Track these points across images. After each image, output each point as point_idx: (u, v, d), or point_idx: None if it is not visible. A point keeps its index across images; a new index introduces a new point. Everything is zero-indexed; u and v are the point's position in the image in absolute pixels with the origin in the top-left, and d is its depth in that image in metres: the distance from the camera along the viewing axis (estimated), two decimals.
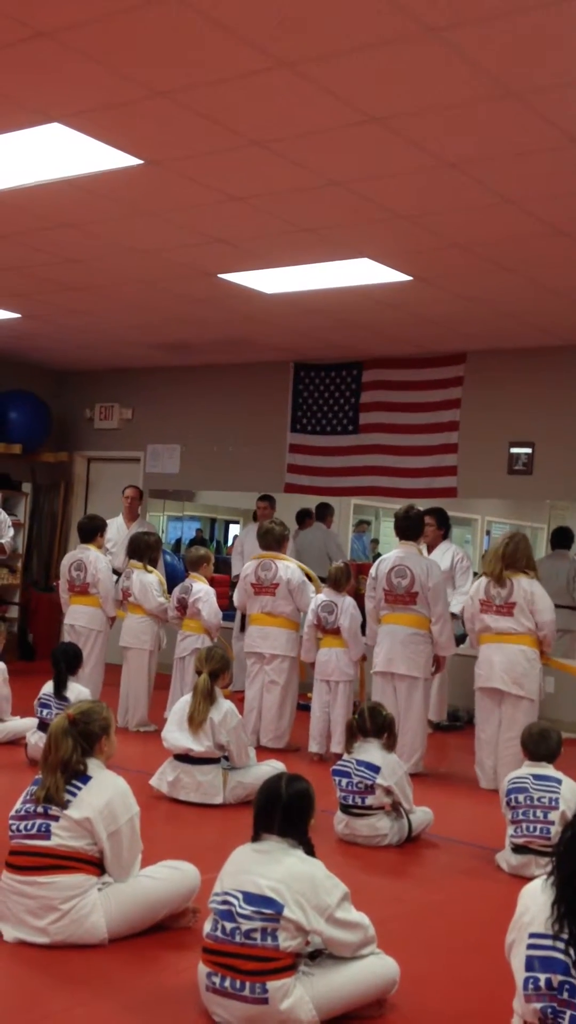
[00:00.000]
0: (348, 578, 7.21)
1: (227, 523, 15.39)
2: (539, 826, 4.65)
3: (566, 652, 8.36)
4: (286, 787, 3.23)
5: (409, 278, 6.84)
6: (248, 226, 6.05)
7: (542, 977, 2.55)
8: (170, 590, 7.84)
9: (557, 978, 2.53)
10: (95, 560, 7.88)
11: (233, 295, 7.61)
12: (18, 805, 3.75)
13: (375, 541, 13.87)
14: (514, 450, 8.81)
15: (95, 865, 3.65)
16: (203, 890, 3.65)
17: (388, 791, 5.07)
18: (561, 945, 2.55)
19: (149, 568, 7.79)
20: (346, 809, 5.15)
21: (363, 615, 7.12)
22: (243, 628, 7.91)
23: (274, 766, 5.69)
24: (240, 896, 3.06)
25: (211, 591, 7.57)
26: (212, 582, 7.79)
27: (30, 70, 4.28)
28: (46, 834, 3.61)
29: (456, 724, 8.59)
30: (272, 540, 7.45)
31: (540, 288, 6.88)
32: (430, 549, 8.01)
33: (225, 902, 3.09)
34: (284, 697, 7.29)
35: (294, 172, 5.13)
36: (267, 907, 3.01)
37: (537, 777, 4.77)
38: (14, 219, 6.25)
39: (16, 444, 10.73)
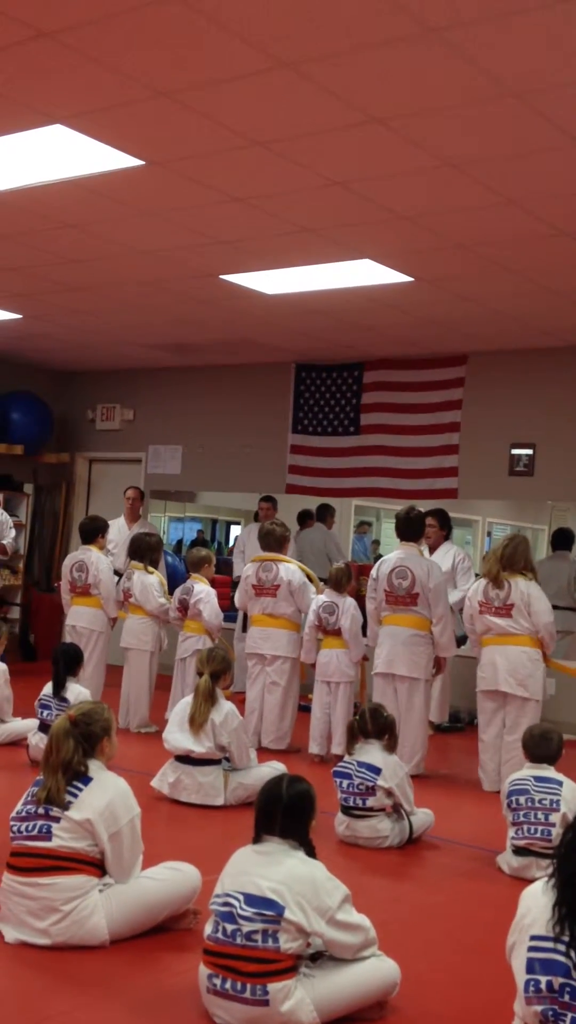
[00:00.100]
0: (349, 579, 7.21)
1: (228, 524, 15.38)
2: (540, 828, 4.65)
3: (567, 654, 8.36)
4: (287, 789, 3.23)
5: (410, 279, 6.83)
6: (250, 227, 6.05)
7: (543, 979, 2.55)
8: (171, 591, 7.84)
9: (558, 980, 2.53)
10: (96, 561, 7.88)
11: (235, 296, 7.61)
12: (19, 806, 3.75)
13: (376, 542, 13.87)
14: (515, 451, 8.81)
15: (96, 866, 3.64)
16: (204, 891, 3.64)
17: (389, 793, 5.07)
18: (562, 947, 2.55)
19: (150, 569, 7.79)
20: (347, 811, 5.15)
21: (364, 616, 7.12)
22: (245, 629, 7.90)
23: (275, 767, 5.69)
24: (241, 898, 3.05)
25: (212, 592, 7.56)
26: (213, 583, 7.79)
27: (32, 71, 4.28)
28: (47, 835, 3.61)
29: (457, 725, 8.58)
30: (273, 541, 7.45)
31: (541, 289, 6.88)
32: (432, 550, 8.01)
33: (226, 904, 3.08)
34: (285, 698, 7.29)
35: (295, 172, 5.13)
36: (268, 909, 3.01)
37: (538, 779, 4.76)
38: (16, 220, 6.26)
39: (18, 445, 10.74)
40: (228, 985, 3.02)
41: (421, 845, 5.23)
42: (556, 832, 4.54)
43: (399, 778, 5.11)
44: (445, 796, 6.26)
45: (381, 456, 9.52)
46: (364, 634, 7.12)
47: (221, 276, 7.14)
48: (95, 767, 3.76)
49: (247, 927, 3.01)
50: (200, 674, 5.82)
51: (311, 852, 3.21)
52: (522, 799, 4.72)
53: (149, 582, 7.70)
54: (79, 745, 3.74)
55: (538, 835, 4.65)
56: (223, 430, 10.50)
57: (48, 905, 3.55)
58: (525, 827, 4.69)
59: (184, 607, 7.55)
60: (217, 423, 10.56)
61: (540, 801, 4.68)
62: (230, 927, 3.04)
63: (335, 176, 5.16)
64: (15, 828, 3.69)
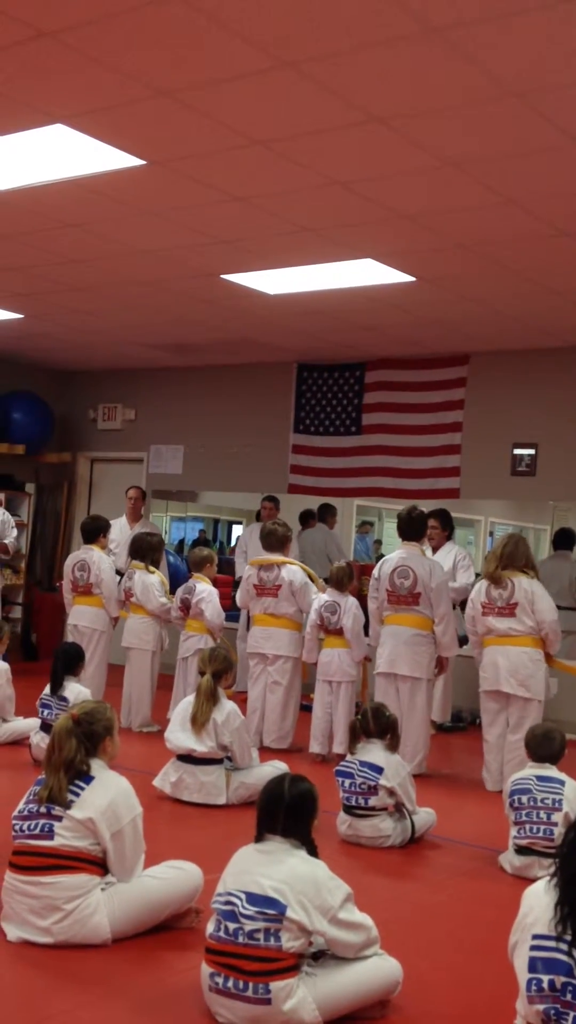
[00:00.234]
0: (351, 578, 7.21)
1: (230, 524, 15.40)
2: (542, 827, 4.65)
3: (568, 653, 8.36)
4: (289, 788, 3.23)
5: (412, 279, 6.83)
6: (251, 226, 6.05)
7: (545, 978, 2.55)
8: (173, 590, 7.85)
9: (560, 979, 2.53)
10: (98, 560, 7.89)
11: (236, 296, 7.62)
12: (21, 805, 3.75)
13: (378, 542, 13.88)
14: (517, 451, 8.80)
15: (98, 865, 3.65)
16: (206, 890, 3.65)
17: (391, 792, 5.07)
18: (564, 947, 2.55)
19: (151, 569, 7.79)
20: (349, 810, 5.15)
21: (366, 615, 7.12)
22: (249, 628, 7.90)
23: (277, 767, 5.69)
24: (243, 896, 3.06)
25: (214, 592, 7.57)
26: (215, 583, 7.79)
27: (33, 71, 4.29)
28: (49, 834, 3.61)
29: (459, 725, 8.58)
30: (275, 541, 7.45)
31: (543, 289, 6.88)
32: (435, 551, 8.01)
33: (228, 902, 3.09)
34: (287, 698, 7.29)
35: (297, 172, 5.13)
36: (270, 908, 3.01)
37: (540, 778, 4.76)
38: (17, 219, 6.26)
39: (19, 445, 10.74)
40: (230, 984, 3.03)
41: (423, 844, 5.23)
42: (558, 831, 4.54)
43: (401, 777, 5.12)
44: (447, 795, 6.26)
45: (383, 456, 9.52)
46: (366, 633, 7.12)
47: (222, 276, 7.14)
48: (97, 766, 3.77)
49: (249, 926, 3.02)
50: (202, 673, 5.82)
51: (313, 851, 3.21)
52: (524, 798, 4.72)
53: (150, 582, 7.70)
54: (81, 744, 3.74)
55: (540, 834, 4.65)
56: (225, 430, 10.51)
57: (50, 904, 3.55)
58: (527, 826, 4.69)
59: (186, 606, 7.55)
60: (219, 423, 10.56)
61: (542, 800, 4.68)
62: (232, 926, 3.05)
63: (336, 175, 5.16)
64: (17, 827, 3.70)
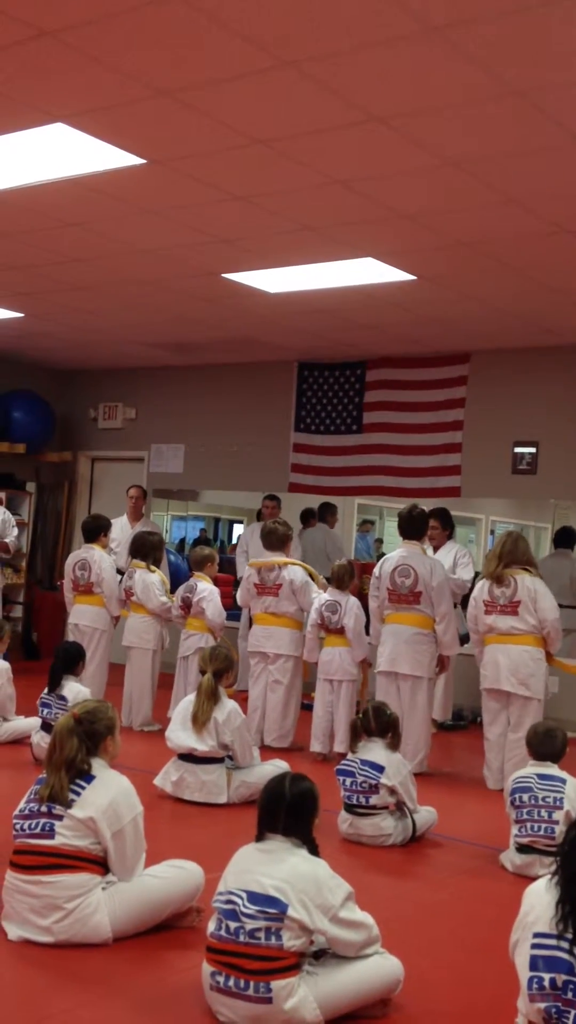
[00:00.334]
0: (351, 576, 7.21)
1: (231, 523, 15.40)
2: (543, 826, 4.65)
3: (569, 652, 8.36)
4: (290, 787, 3.23)
5: (413, 277, 6.83)
6: (251, 225, 6.05)
7: (546, 977, 2.55)
8: (174, 589, 7.85)
9: (561, 978, 2.53)
10: (99, 560, 7.89)
11: (237, 294, 7.61)
12: (22, 804, 3.75)
13: (379, 541, 13.88)
14: (518, 449, 8.80)
15: (99, 864, 3.65)
16: (207, 889, 3.65)
17: (392, 791, 5.07)
18: (565, 945, 2.55)
19: (152, 568, 7.79)
20: (350, 809, 5.15)
21: (367, 615, 7.12)
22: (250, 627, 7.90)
23: (278, 765, 5.69)
24: (244, 895, 3.06)
25: (215, 590, 7.57)
26: (216, 581, 7.79)
27: (33, 70, 4.29)
28: (50, 833, 3.61)
29: (460, 724, 8.59)
30: (275, 540, 7.44)
31: (544, 287, 6.87)
32: (435, 550, 8.00)
33: (229, 901, 3.09)
34: (288, 696, 7.29)
35: (297, 171, 5.13)
36: (271, 906, 3.01)
37: (542, 777, 4.76)
38: (17, 218, 6.26)
39: (20, 444, 10.75)
40: (231, 983, 3.03)
41: (424, 843, 5.23)
42: (559, 830, 4.54)
43: (402, 776, 5.12)
44: (448, 794, 6.26)
45: (384, 454, 9.52)
46: (367, 633, 7.12)
47: (223, 275, 7.14)
48: (98, 765, 3.77)
49: (250, 925, 3.02)
50: (203, 672, 5.82)
51: (314, 850, 3.21)
52: (525, 797, 4.72)
53: (151, 581, 7.71)
54: (83, 743, 3.74)
55: (541, 833, 4.65)
56: (225, 429, 10.50)
57: (51, 903, 3.55)
58: (528, 825, 4.69)
59: (187, 605, 7.55)
60: (219, 422, 10.56)
61: (543, 799, 4.68)
62: (233, 925, 3.05)
63: (336, 175, 5.16)
64: (18, 826, 3.70)
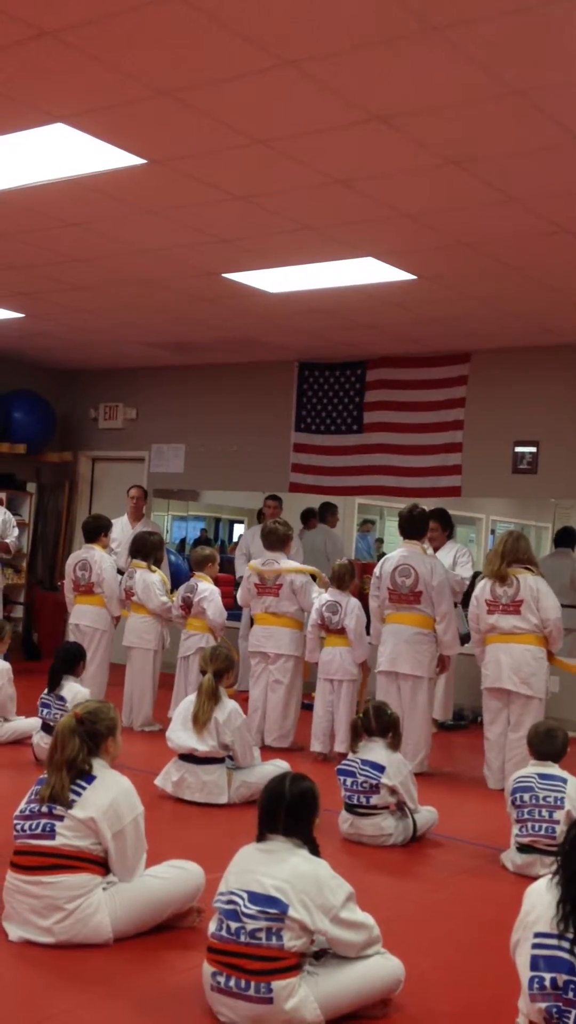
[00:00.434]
0: (352, 576, 7.21)
1: (231, 523, 15.40)
2: (544, 825, 4.65)
3: (569, 651, 8.36)
4: (290, 787, 3.23)
5: (413, 277, 6.83)
6: (252, 225, 6.04)
7: (547, 976, 2.55)
8: (174, 589, 7.85)
9: (562, 977, 2.53)
10: (100, 560, 7.89)
11: (237, 294, 7.61)
12: (23, 805, 3.75)
13: (379, 540, 13.88)
14: (518, 449, 8.80)
15: (100, 865, 3.65)
16: (208, 890, 3.65)
17: (393, 790, 5.07)
18: (566, 944, 2.55)
19: (153, 568, 7.79)
20: (351, 808, 5.15)
21: (368, 615, 7.11)
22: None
23: (278, 765, 5.69)
24: (245, 896, 3.06)
25: (216, 591, 7.56)
26: (217, 581, 7.78)
27: (33, 70, 4.29)
28: (51, 834, 3.61)
29: (461, 723, 8.58)
30: (275, 540, 7.44)
31: (544, 287, 6.87)
32: (435, 551, 8.00)
33: (230, 901, 3.08)
34: (288, 696, 7.29)
35: (297, 171, 5.13)
36: (272, 907, 3.01)
37: (543, 776, 4.76)
38: (18, 219, 6.26)
39: (21, 444, 10.74)
40: (232, 983, 3.03)
41: (425, 843, 5.23)
42: (560, 829, 4.54)
43: (403, 776, 5.12)
44: (449, 794, 6.26)
45: (384, 454, 9.52)
46: (368, 633, 7.11)
47: (223, 274, 7.14)
48: (99, 766, 3.77)
49: (251, 925, 3.01)
50: (203, 672, 5.82)
51: (315, 850, 3.21)
52: (526, 796, 4.72)
53: (151, 581, 7.70)
54: (84, 743, 3.74)
55: (542, 832, 4.65)
56: (226, 429, 10.50)
57: (52, 903, 3.55)
58: (529, 824, 4.69)
59: (188, 605, 7.55)
60: (220, 422, 10.56)
61: (544, 798, 4.68)
62: (234, 925, 3.05)
63: (337, 174, 5.16)
64: (19, 827, 3.70)
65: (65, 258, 7.10)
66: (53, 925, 3.54)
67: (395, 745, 5.22)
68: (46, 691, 6.21)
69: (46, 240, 6.69)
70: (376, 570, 6.98)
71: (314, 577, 7.42)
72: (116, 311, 8.59)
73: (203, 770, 5.64)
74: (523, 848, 4.73)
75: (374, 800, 5.08)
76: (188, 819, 5.42)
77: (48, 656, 8.84)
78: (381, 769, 5.06)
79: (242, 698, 6.96)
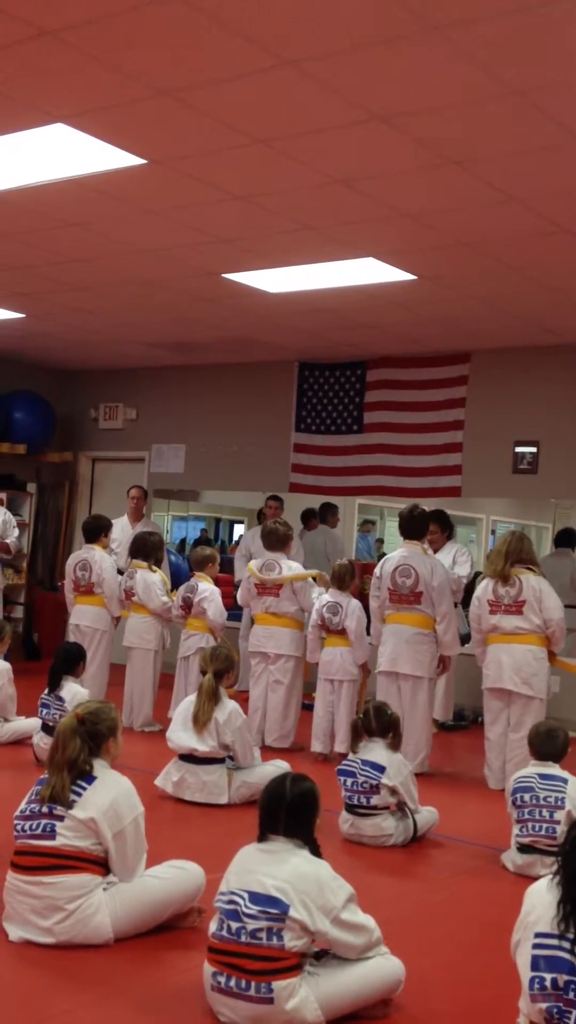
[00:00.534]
0: (352, 576, 7.21)
1: (231, 523, 15.41)
2: (545, 825, 4.65)
3: (570, 651, 8.36)
4: (291, 787, 3.22)
5: (414, 277, 6.83)
6: (252, 225, 6.04)
7: (548, 977, 2.55)
8: (174, 590, 7.84)
9: (563, 978, 2.53)
10: (100, 560, 7.89)
11: (237, 294, 7.61)
12: (23, 805, 3.75)
13: (380, 541, 13.88)
14: (519, 449, 8.80)
15: (100, 865, 3.65)
16: (208, 890, 3.65)
17: (393, 791, 5.07)
18: (567, 944, 2.55)
19: (153, 568, 7.79)
20: (351, 809, 5.15)
21: (368, 615, 7.11)
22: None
23: (279, 766, 5.69)
24: (246, 896, 3.06)
25: (217, 591, 7.56)
26: (217, 582, 7.78)
27: (33, 70, 4.28)
28: (51, 834, 3.61)
29: (462, 724, 8.58)
30: (276, 540, 7.44)
31: (545, 287, 6.87)
32: (435, 552, 7.99)
33: (231, 901, 3.08)
34: (289, 697, 7.29)
35: (298, 171, 5.13)
36: (273, 907, 3.01)
37: (543, 776, 4.76)
38: (18, 219, 6.26)
39: (21, 444, 10.74)
40: (232, 983, 3.02)
41: (425, 843, 5.23)
42: (561, 829, 4.54)
43: (403, 776, 5.11)
44: (449, 794, 6.26)
45: (385, 454, 9.52)
46: (368, 633, 7.11)
47: (223, 274, 7.14)
48: (99, 766, 3.77)
49: (252, 925, 3.01)
50: (204, 673, 5.81)
51: (316, 851, 3.20)
52: (527, 796, 4.72)
53: (152, 581, 7.70)
54: (85, 744, 3.74)
55: (543, 832, 4.65)
56: (226, 429, 10.50)
57: (52, 904, 3.55)
58: (530, 824, 4.69)
59: (188, 605, 7.55)
60: (220, 422, 10.55)
61: (545, 798, 4.67)
62: (235, 925, 3.04)
63: (337, 174, 5.16)
64: (19, 827, 3.70)
65: (65, 258, 7.10)
66: (53, 925, 3.54)
67: (395, 745, 5.22)
68: (46, 691, 6.22)
69: (46, 240, 6.69)
70: (376, 570, 6.97)
71: (314, 578, 7.42)
72: (116, 311, 8.59)
73: (203, 770, 5.64)
74: (524, 848, 4.73)
75: (374, 800, 5.08)
76: (188, 819, 5.42)
77: (48, 656, 8.84)
78: (381, 769, 5.06)
79: (242, 698, 6.96)
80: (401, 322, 8.16)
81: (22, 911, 3.59)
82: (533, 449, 8.73)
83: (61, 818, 3.62)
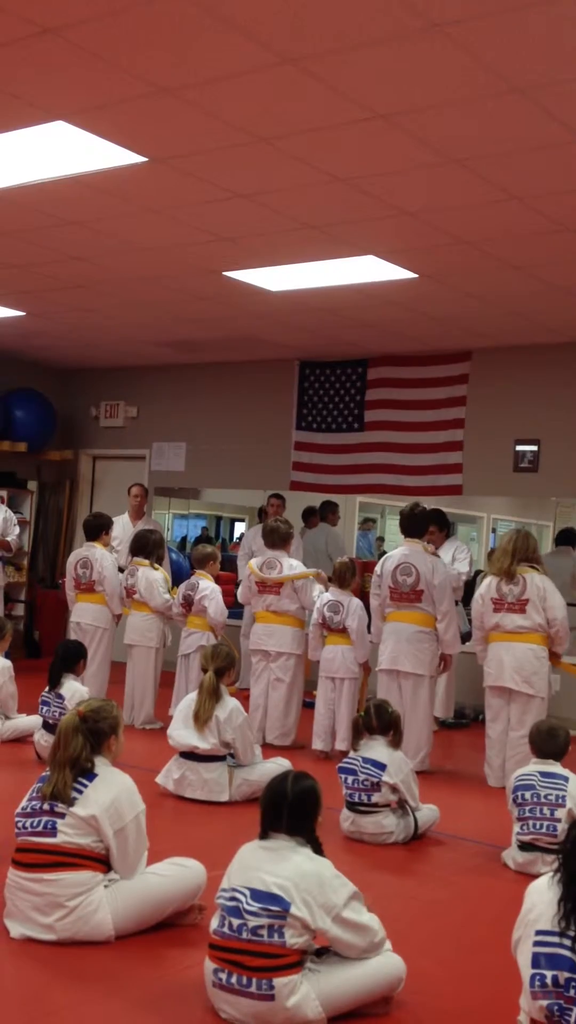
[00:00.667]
0: (353, 574, 7.21)
1: (232, 521, 15.40)
2: (546, 823, 4.65)
3: (570, 650, 8.36)
4: (293, 785, 3.22)
5: (415, 275, 6.83)
6: (253, 223, 6.04)
7: (548, 974, 2.55)
8: (175, 587, 7.85)
9: (564, 975, 2.54)
10: (101, 558, 7.89)
11: (238, 293, 7.61)
12: (24, 802, 3.75)
13: (380, 539, 13.87)
14: (519, 447, 8.80)
15: (101, 862, 3.65)
16: (209, 887, 3.65)
17: (394, 788, 5.07)
18: (568, 942, 2.55)
19: (155, 566, 7.80)
20: (352, 807, 5.15)
21: (368, 614, 7.11)
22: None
23: (280, 763, 5.70)
24: (247, 893, 3.06)
25: (217, 589, 7.57)
26: (218, 580, 7.78)
27: (35, 68, 4.28)
28: (52, 831, 3.62)
29: (463, 721, 8.58)
30: (277, 539, 7.45)
31: (546, 285, 6.87)
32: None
33: (232, 898, 3.09)
34: (290, 695, 7.29)
35: (299, 169, 5.13)
36: (274, 904, 3.01)
37: (544, 775, 4.76)
38: (19, 217, 6.26)
39: (22, 442, 10.74)
40: (234, 980, 3.03)
41: (426, 841, 5.23)
42: (562, 828, 4.55)
43: (404, 774, 5.12)
44: (450, 792, 6.26)
45: (385, 453, 9.52)
46: (369, 631, 7.12)
47: (225, 273, 7.14)
48: (101, 764, 3.77)
49: (253, 922, 3.02)
50: (204, 670, 5.82)
51: (318, 849, 3.21)
52: (528, 794, 4.72)
53: (154, 578, 7.71)
54: (87, 741, 3.74)
55: (544, 830, 4.65)
56: (227, 427, 10.51)
57: (53, 901, 3.55)
58: (531, 822, 4.69)
59: (188, 603, 7.55)
60: (221, 420, 10.56)
61: (546, 797, 4.68)
62: (236, 922, 3.05)
63: (338, 172, 5.16)
64: (20, 824, 3.70)
65: (66, 256, 7.10)
66: (55, 922, 3.55)
67: (396, 743, 5.23)
68: (46, 689, 6.22)
69: (47, 238, 6.69)
70: (377, 568, 6.98)
71: (313, 577, 7.42)
72: (117, 309, 8.59)
73: (204, 768, 5.65)
74: (524, 846, 4.74)
75: (375, 798, 5.08)
76: (189, 817, 5.43)
77: (49, 654, 8.83)
78: (382, 767, 5.06)
79: (243, 696, 6.96)
80: (402, 320, 8.16)
81: (23, 908, 3.60)
82: (534, 447, 8.73)
83: (62, 815, 3.62)
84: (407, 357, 9.38)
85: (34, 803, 3.70)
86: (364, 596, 7.29)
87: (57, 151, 5.17)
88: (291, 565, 7.35)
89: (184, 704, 5.85)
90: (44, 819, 3.64)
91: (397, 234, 6.04)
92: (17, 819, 3.72)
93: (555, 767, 4.81)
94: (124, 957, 3.51)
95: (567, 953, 2.55)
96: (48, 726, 6.10)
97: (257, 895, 3.04)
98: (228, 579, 9.54)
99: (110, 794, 3.66)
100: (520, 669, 6.37)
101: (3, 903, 3.70)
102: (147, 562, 7.77)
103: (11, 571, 10.45)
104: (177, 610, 7.65)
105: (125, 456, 11.38)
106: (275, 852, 3.14)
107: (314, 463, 9.98)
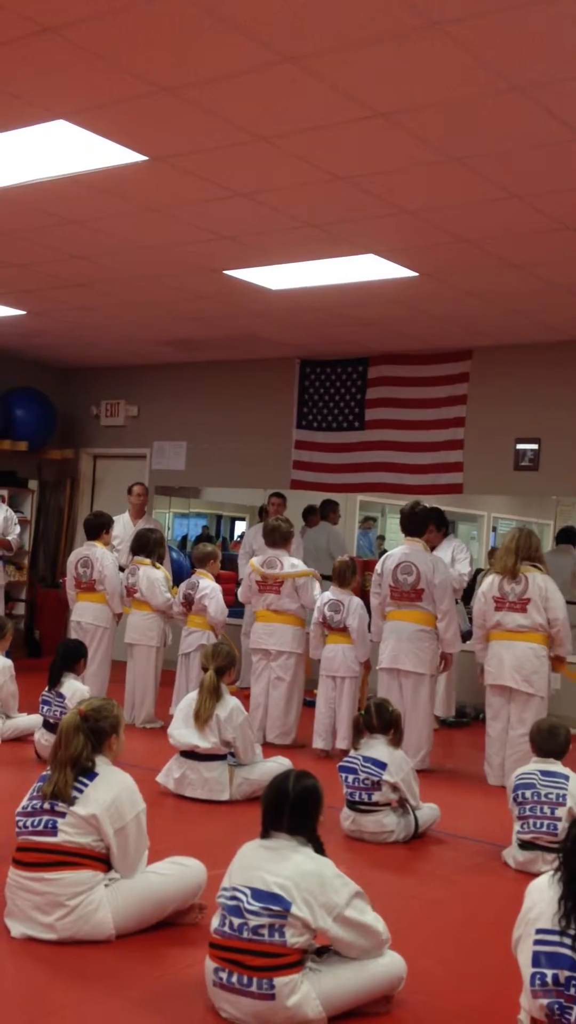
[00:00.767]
0: (353, 573, 7.21)
1: (233, 520, 15.41)
2: (546, 822, 4.65)
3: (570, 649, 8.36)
4: (294, 784, 3.22)
5: (415, 274, 6.83)
6: (254, 222, 6.04)
7: (549, 973, 2.55)
8: (175, 586, 7.85)
9: (564, 974, 2.54)
10: (101, 557, 7.89)
11: (239, 291, 7.61)
12: (25, 801, 3.75)
13: (381, 538, 13.88)
14: (520, 446, 8.80)
15: (102, 861, 3.65)
16: (210, 886, 3.65)
17: (395, 787, 5.07)
18: (568, 941, 2.55)
19: (156, 564, 7.80)
20: (353, 805, 5.15)
21: (369, 613, 7.11)
22: None
23: (280, 762, 5.70)
24: (248, 892, 3.06)
25: (218, 588, 7.57)
26: (219, 579, 7.78)
27: (35, 67, 4.28)
28: (53, 830, 3.62)
29: (463, 720, 8.58)
30: (278, 537, 7.45)
31: (547, 284, 6.87)
32: (432, 550, 7.99)
33: (233, 898, 3.09)
34: (290, 693, 7.29)
35: (299, 168, 5.13)
36: (274, 904, 3.01)
37: (545, 773, 4.76)
38: (19, 216, 6.25)
39: (22, 441, 10.74)
40: (234, 979, 3.03)
41: (427, 840, 5.23)
42: (562, 826, 4.55)
43: (404, 773, 5.12)
44: (451, 791, 6.26)
45: (386, 451, 9.52)
46: (369, 629, 7.12)
47: (224, 271, 7.14)
48: (101, 763, 3.77)
49: (254, 921, 3.02)
50: (205, 669, 5.82)
51: (319, 848, 3.21)
52: (528, 793, 4.72)
53: (155, 577, 7.71)
54: (88, 740, 3.74)
55: (544, 829, 4.65)
56: (227, 426, 10.50)
57: (54, 900, 3.56)
58: (531, 821, 4.69)
59: (189, 602, 7.55)
60: (221, 419, 10.56)
61: (546, 795, 4.68)
62: (237, 921, 3.05)
63: (338, 171, 5.15)
64: (21, 823, 3.70)
65: (66, 255, 7.10)
66: (55, 921, 3.55)
67: (397, 742, 5.23)
68: (47, 688, 6.22)
69: (48, 237, 6.69)
70: (377, 567, 6.98)
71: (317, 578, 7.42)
72: (117, 308, 8.59)
73: (205, 767, 5.65)
74: (525, 845, 4.74)
75: (376, 797, 5.08)
76: (190, 816, 5.43)
77: (50, 653, 8.83)
78: (383, 766, 5.06)
79: (244, 695, 6.96)
80: (402, 319, 8.15)
81: (24, 907, 3.60)
82: (534, 446, 8.72)
83: (63, 814, 3.62)
84: (408, 356, 9.38)
85: (35, 802, 3.70)
86: (365, 595, 7.29)
87: (57, 150, 5.17)
88: (292, 564, 7.36)
89: (185, 703, 5.85)
90: (45, 818, 3.64)
91: (397, 232, 6.04)
92: (18, 818, 3.72)
93: (556, 766, 4.81)
94: (125, 956, 3.52)
95: (567, 952, 2.55)
96: (49, 725, 6.10)
97: (258, 894, 3.04)
98: (229, 578, 9.54)
99: (111, 793, 3.66)
100: (520, 668, 6.37)
101: (4, 902, 3.70)
102: (148, 561, 7.77)
103: (12, 570, 10.46)
104: (178, 609, 7.65)
105: (126, 455, 11.39)
106: (276, 851, 3.14)
107: (315, 462, 9.98)
